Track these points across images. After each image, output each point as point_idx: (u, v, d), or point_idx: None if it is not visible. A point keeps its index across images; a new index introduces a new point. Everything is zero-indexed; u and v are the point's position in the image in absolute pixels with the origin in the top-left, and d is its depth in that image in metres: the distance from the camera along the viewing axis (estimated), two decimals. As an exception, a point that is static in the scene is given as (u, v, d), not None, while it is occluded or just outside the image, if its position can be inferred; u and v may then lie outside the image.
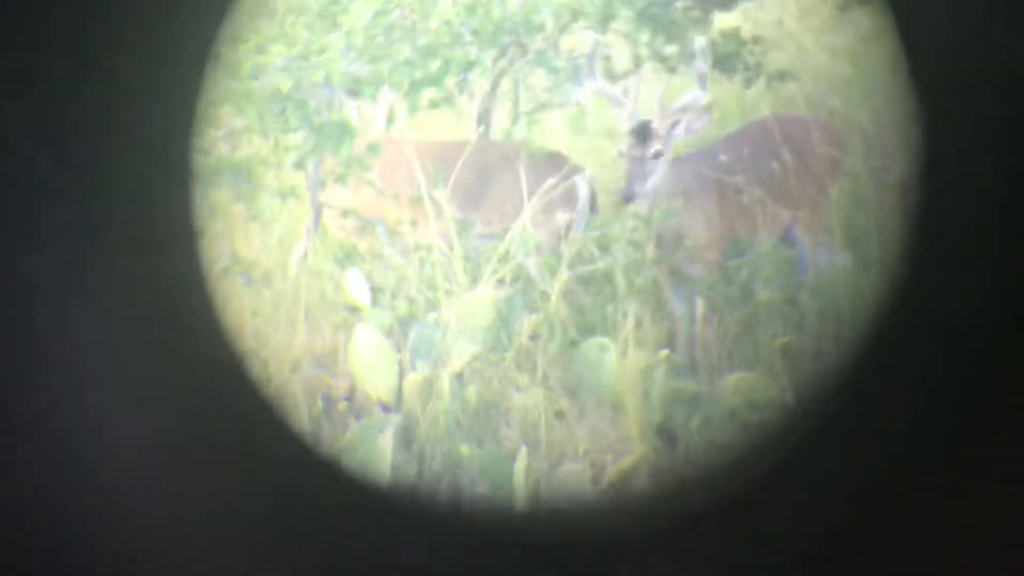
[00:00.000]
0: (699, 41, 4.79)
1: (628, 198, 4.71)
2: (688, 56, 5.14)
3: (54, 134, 2.60)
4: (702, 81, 4.75)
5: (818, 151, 4.98)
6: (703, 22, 5.13)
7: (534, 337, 4.72)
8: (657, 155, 4.72)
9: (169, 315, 2.73)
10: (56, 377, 2.61)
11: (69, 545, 2.64)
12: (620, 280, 4.81)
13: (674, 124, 4.74)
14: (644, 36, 5.18)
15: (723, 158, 4.86)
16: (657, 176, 4.73)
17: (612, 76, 5.24)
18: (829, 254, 5.04)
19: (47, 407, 2.61)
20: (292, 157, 4.95)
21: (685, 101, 4.76)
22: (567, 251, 4.87)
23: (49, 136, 2.60)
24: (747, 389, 4.43)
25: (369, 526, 2.81)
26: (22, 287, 2.59)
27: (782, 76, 5.13)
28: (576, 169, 5.07)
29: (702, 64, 4.75)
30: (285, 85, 4.83)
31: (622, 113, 4.74)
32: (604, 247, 4.93)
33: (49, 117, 2.60)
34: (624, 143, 4.74)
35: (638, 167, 4.71)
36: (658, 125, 4.74)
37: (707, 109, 4.77)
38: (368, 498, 2.99)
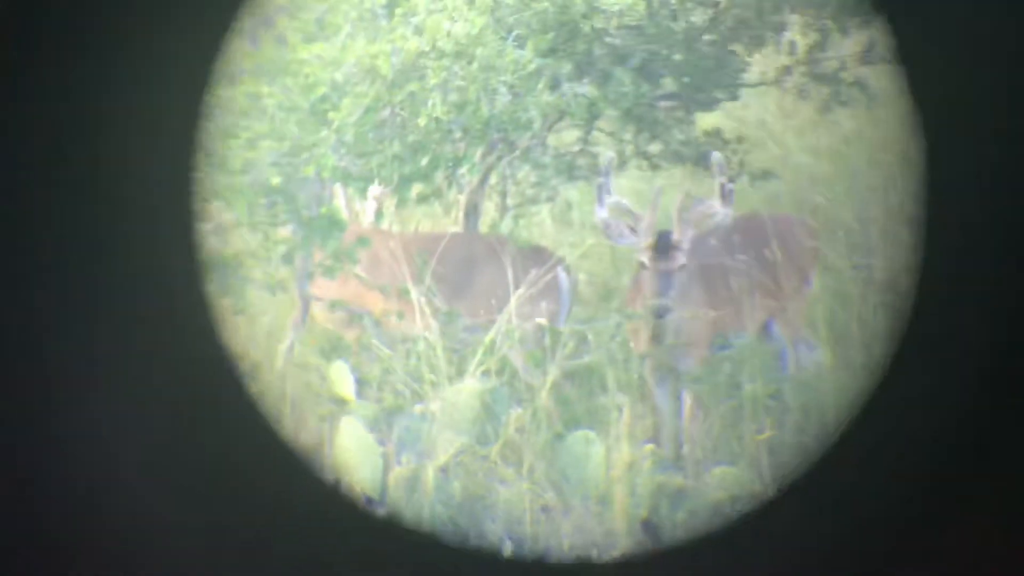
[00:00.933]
0: (715, 156, 4.80)
1: (662, 314, 4.67)
2: (671, 154, 5.23)
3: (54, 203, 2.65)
4: (727, 197, 4.74)
5: (800, 246, 5.05)
6: (686, 121, 5.23)
7: (520, 430, 4.71)
8: (683, 268, 4.71)
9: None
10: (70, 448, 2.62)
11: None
12: (607, 374, 4.82)
13: (694, 233, 4.73)
14: (628, 134, 5.28)
15: (713, 242, 4.89)
16: (681, 286, 4.73)
17: (597, 172, 5.32)
18: (809, 350, 5.07)
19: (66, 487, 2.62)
20: (281, 250, 4.99)
21: (706, 211, 4.73)
22: (556, 347, 4.89)
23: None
24: (731, 483, 4.42)
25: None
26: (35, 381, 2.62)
27: (765, 174, 5.22)
28: (559, 261, 5.13)
29: (722, 178, 4.74)
30: (275, 179, 4.89)
31: (641, 226, 4.73)
32: (595, 340, 4.95)
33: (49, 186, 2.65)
34: (646, 256, 4.72)
35: (665, 280, 4.69)
36: (679, 236, 4.74)
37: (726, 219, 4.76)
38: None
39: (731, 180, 4.80)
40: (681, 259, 4.69)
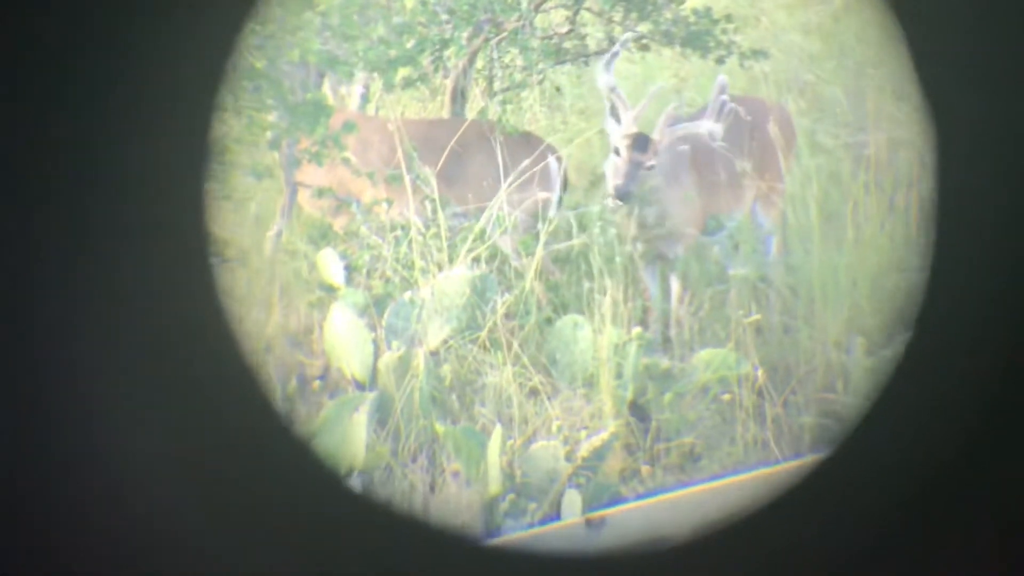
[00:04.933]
0: (721, 81, 4.79)
1: (623, 196, 4.75)
2: (661, 35, 5.15)
3: (54, 132, 2.62)
4: (719, 114, 4.76)
5: (775, 132, 5.02)
6: (675, 0, 5.14)
7: (509, 315, 4.75)
8: (651, 167, 4.77)
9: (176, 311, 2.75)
10: (54, 365, 2.63)
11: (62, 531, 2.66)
12: (595, 258, 4.84)
13: (674, 143, 4.80)
14: (618, 15, 5.19)
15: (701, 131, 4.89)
16: (650, 182, 4.79)
17: (586, 55, 5.25)
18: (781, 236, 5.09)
19: (44, 397, 2.64)
20: (267, 136, 4.95)
21: (696, 129, 4.78)
22: (545, 230, 4.90)
23: (51, 134, 2.62)
24: (718, 365, 4.47)
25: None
26: (28, 270, 2.61)
27: (754, 54, 5.15)
28: (550, 149, 5.10)
29: (722, 100, 4.75)
30: (259, 63, 4.82)
31: (627, 116, 4.77)
32: (581, 226, 4.96)
33: (50, 115, 2.62)
34: (623, 144, 4.75)
35: (635, 170, 4.74)
36: (657, 140, 4.76)
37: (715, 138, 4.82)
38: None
39: (729, 102, 4.80)
40: (653, 160, 4.74)
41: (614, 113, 4.79)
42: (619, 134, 4.77)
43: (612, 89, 4.79)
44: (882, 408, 2.72)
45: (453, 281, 4.73)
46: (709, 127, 4.79)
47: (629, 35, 4.99)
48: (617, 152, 4.77)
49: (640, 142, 4.76)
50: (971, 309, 2.68)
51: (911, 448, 2.69)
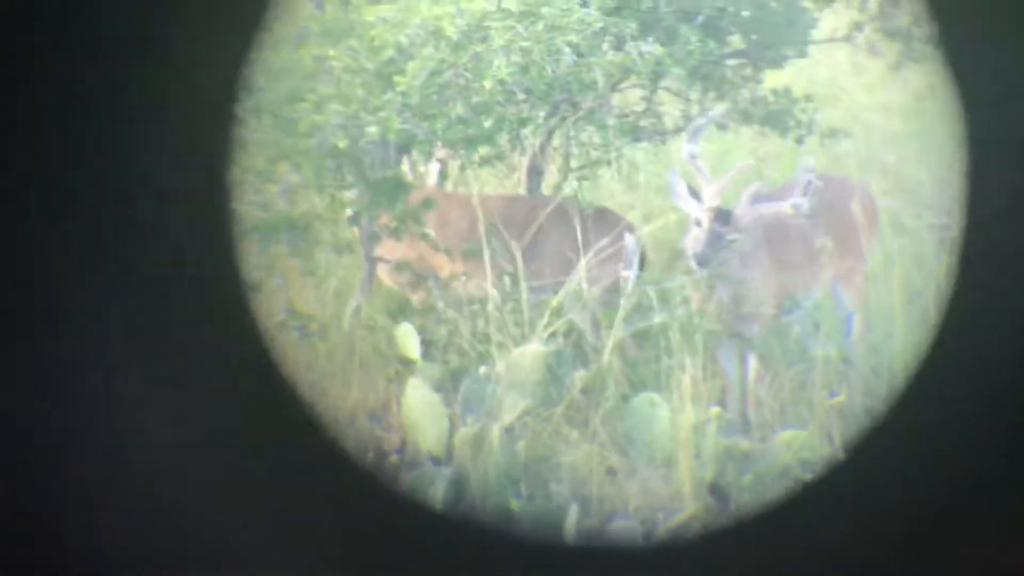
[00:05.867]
0: (807, 163, 4.80)
1: (703, 262, 4.75)
2: (739, 114, 5.16)
3: (89, 193, 2.67)
4: (804, 190, 4.76)
5: (857, 211, 4.98)
6: (753, 80, 5.15)
7: (585, 392, 4.72)
8: (732, 241, 4.77)
9: (224, 366, 2.77)
10: (119, 439, 2.66)
11: None
12: (674, 336, 4.81)
13: (756, 220, 4.80)
14: (694, 94, 5.22)
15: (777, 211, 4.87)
16: (728, 260, 4.78)
17: (662, 132, 5.27)
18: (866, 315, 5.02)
19: (123, 493, 2.66)
20: (347, 212, 5.03)
21: (780, 208, 4.78)
22: (623, 307, 4.89)
23: (87, 194, 2.67)
24: (799, 446, 4.39)
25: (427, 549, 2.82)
26: (80, 363, 2.65)
27: (834, 133, 5.14)
28: (627, 226, 5.11)
29: (808, 178, 4.76)
30: (341, 142, 4.91)
31: (708, 191, 4.77)
32: (662, 302, 4.94)
33: (85, 173, 2.68)
34: (705, 216, 4.76)
35: (716, 239, 4.75)
36: (739, 216, 4.77)
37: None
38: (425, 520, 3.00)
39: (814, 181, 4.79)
40: (734, 235, 4.74)
41: (693, 190, 4.79)
42: (700, 208, 4.77)
43: (693, 158, 4.80)
44: (897, 420, 2.68)
45: (529, 356, 4.72)
46: (794, 201, 4.77)
47: (717, 111, 5.01)
48: (699, 223, 4.78)
49: (722, 216, 4.76)
50: (992, 325, 2.64)
51: (925, 457, 2.64)
